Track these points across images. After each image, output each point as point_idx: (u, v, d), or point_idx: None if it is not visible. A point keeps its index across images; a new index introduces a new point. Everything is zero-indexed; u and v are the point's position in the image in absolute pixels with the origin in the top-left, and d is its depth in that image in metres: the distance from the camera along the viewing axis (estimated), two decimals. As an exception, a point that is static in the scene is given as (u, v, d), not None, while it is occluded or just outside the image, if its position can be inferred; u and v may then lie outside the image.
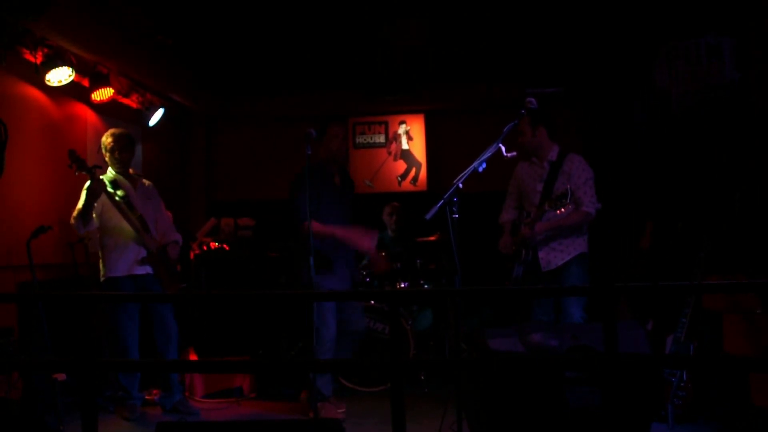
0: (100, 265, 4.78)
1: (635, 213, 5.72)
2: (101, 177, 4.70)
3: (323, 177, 4.78)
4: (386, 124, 7.58)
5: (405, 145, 7.56)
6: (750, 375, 4.08)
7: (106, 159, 4.86)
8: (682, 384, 4.19)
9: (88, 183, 4.60)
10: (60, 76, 4.92)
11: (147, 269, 4.74)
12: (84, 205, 4.54)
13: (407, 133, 7.56)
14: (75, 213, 4.60)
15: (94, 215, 4.63)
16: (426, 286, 5.85)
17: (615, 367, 2.57)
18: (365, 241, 4.67)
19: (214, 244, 5.78)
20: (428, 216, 3.65)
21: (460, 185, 3.70)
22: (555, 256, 4.47)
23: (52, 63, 4.78)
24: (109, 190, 4.64)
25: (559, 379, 3.23)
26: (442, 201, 3.65)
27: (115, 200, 4.62)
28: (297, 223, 4.67)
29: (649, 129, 5.96)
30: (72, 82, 5.04)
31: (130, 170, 4.95)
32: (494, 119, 4.49)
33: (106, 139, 4.84)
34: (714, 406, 4.24)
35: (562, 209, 4.17)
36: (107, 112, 5.87)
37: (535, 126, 4.51)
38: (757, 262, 4.60)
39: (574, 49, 6.39)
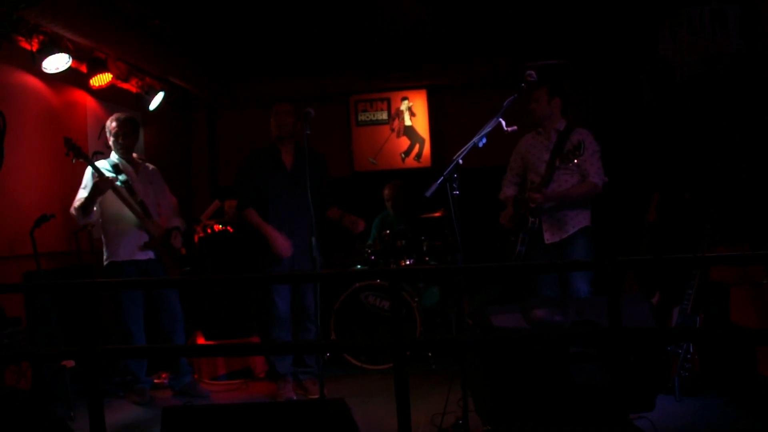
0: (104, 250, 4.79)
1: (642, 185, 5.68)
2: (103, 160, 4.69)
3: (269, 160, 4.71)
4: (388, 100, 7.52)
5: (408, 122, 7.51)
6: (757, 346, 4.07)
7: (110, 143, 4.84)
8: (688, 356, 4.18)
9: (90, 172, 4.59)
10: (57, 63, 4.89)
11: (149, 254, 4.74)
12: (87, 200, 4.53)
13: (410, 109, 7.50)
14: (76, 204, 4.58)
15: (95, 208, 4.62)
16: (432, 263, 5.85)
17: (619, 341, 2.56)
18: (281, 248, 4.57)
19: (218, 227, 5.78)
20: (428, 193, 3.62)
21: (460, 161, 3.67)
22: (559, 228, 4.44)
23: (48, 50, 4.74)
24: (111, 176, 4.62)
25: (563, 355, 3.22)
26: (442, 178, 3.63)
27: (116, 186, 4.61)
28: (239, 210, 4.74)
29: (655, 100, 5.89)
30: (70, 68, 5.01)
31: (134, 155, 4.94)
32: (498, 93, 4.43)
33: (110, 124, 4.81)
34: (721, 378, 4.23)
35: (576, 161, 4.12)
36: (107, 97, 5.85)
37: (552, 96, 4.51)
38: (764, 232, 4.56)
39: (577, 21, 6.29)
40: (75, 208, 4.59)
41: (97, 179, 4.52)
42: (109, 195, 4.63)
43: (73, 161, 4.52)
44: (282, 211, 4.65)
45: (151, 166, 5.04)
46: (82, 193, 4.59)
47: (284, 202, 4.65)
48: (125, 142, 4.80)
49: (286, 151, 4.75)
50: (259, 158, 4.76)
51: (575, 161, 4.13)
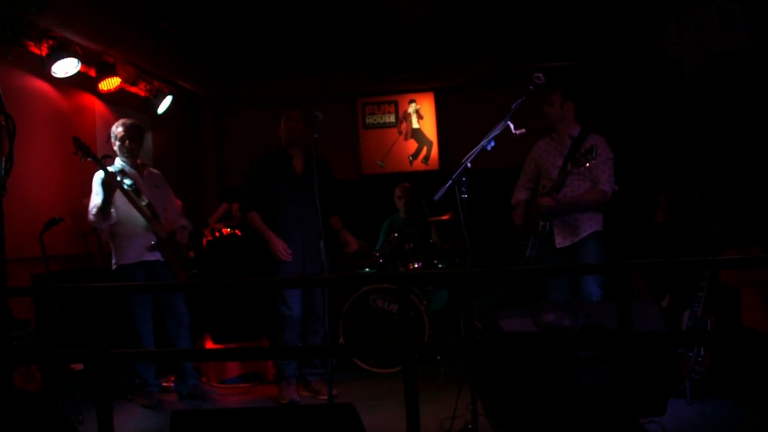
0: (112, 254, 4.81)
1: (649, 187, 5.65)
2: (108, 168, 4.71)
3: (280, 165, 4.77)
4: (396, 103, 7.52)
5: (415, 124, 7.50)
6: (768, 348, 4.04)
7: (115, 148, 4.87)
8: (699, 359, 4.15)
9: (100, 176, 4.60)
10: (66, 67, 4.92)
11: (157, 255, 4.76)
12: (104, 202, 4.55)
13: (417, 111, 7.50)
14: (94, 210, 4.60)
15: (112, 210, 4.65)
16: (440, 266, 5.83)
17: (628, 345, 2.54)
18: (280, 252, 4.61)
19: (227, 230, 5.78)
20: (436, 197, 3.64)
21: (469, 165, 3.66)
22: (571, 232, 4.43)
23: (57, 54, 4.78)
24: (118, 179, 4.65)
25: (572, 359, 3.20)
26: (451, 181, 3.62)
27: (124, 189, 4.64)
28: (242, 213, 4.81)
29: (661, 101, 5.87)
30: (79, 72, 5.03)
31: (138, 160, 4.96)
32: (505, 95, 4.42)
33: (116, 129, 4.85)
34: (732, 381, 4.20)
35: (588, 164, 4.10)
36: (115, 101, 5.86)
37: (566, 99, 4.50)
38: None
39: (583, 21, 6.27)
40: (93, 214, 4.60)
41: (105, 178, 4.53)
42: (118, 198, 4.66)
43: (81, 160, 4.55)
44: (292, 216, 4.71)
45: (155, 171, 5.07)
46: (96, 199, 4.61)
47: (294, 206, 4.70)
48: (131, 146, 4.83)
49: (297, 157, 4.80)
50: (269, 163, 4.80)
51: (587, 165, 4.11)
